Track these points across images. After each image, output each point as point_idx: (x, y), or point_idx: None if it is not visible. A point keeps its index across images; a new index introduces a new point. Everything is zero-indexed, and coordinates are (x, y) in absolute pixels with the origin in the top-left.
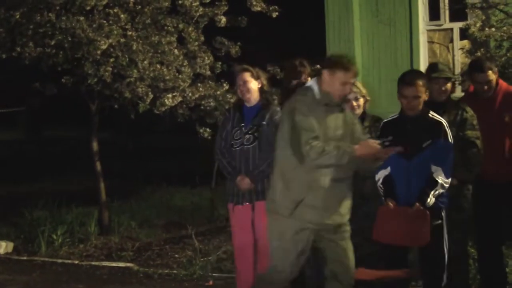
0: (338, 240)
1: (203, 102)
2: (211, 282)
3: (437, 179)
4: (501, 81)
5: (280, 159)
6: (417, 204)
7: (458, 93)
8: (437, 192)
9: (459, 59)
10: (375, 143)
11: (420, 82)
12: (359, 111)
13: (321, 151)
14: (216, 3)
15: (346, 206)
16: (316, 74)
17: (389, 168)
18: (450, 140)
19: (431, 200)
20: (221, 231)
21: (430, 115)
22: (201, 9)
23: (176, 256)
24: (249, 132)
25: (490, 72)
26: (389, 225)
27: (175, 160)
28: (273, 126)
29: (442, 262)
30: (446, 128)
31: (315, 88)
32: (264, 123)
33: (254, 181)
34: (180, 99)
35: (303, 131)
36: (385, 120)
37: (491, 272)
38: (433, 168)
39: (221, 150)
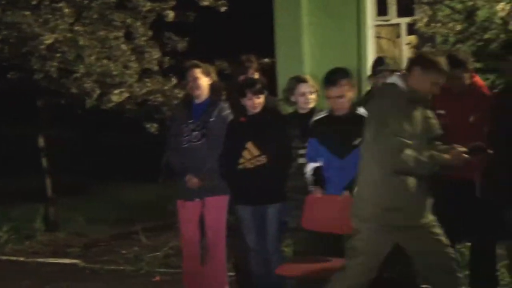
0: (425, 235)
1: (151, 98)
2: (157, 278)
3: None
4: (476, 79)
5: (366, 166)
6: (345, 192)
7: None
8: None
9: (406, 54)
10: (463, 152)
11: (344, 81)
12: (307, 107)
13: (416, 160)
14: None
15: (429, 204)
16: (263, 68)
17: (319, 162)
18: None
19: None
20: (169, 227)
21: (358, 112)
22: (148, 4)
23: (124, 252)
24: (197, 129)
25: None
26: (317, 213)
27: (124, 156)
28: (221, 122)
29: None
30: None
31: (401, 84)
32: (212, 119)
33: (203, 178)
34: (127, 94)
35: (396, 139)
36: (315, 119)
37: None
38: None
39: (172, 148)
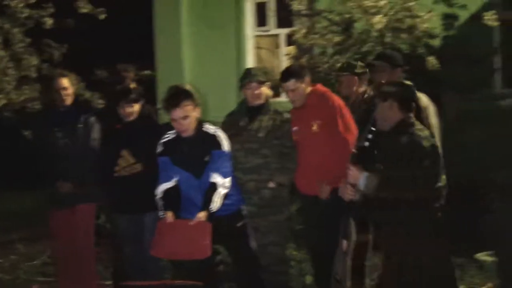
0: None
1: (29, 105)
2: (35, 286)
3: (214, 181)
4: (316, 88)
5: None
6: (200, 214)
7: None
8: (221, 193)
9: (285, 65)
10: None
11: (186, 102)
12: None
13: None
14: (43, 5)
15: None
16: (141, 78)
17: (172, 182)
18: (224, 149)
19: (216, 203)
20: (45, 235)
21: (204, 129)
22: (27, 10)
23: (0, 261)
24: (65, 136)
25: (292, 81)
26: (167, 239)
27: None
28: (88, 129)
29: (256, 261)
30: (221, 138)
31: None
32: (80, 125)
33: (74, 185)
34: (4, 101)
35: None
36: (162, 141)
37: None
38: (211, 176)
39: (39, 155)
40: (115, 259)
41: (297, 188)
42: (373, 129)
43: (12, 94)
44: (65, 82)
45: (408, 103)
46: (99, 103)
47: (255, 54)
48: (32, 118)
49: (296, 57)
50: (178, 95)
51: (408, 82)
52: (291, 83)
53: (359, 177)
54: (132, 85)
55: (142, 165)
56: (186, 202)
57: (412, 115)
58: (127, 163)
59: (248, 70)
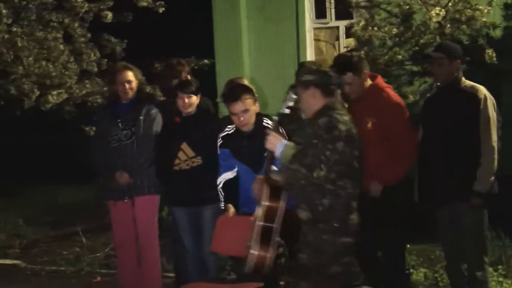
0: None
1: (90, 99)
2: (98, 278)
3: None
4: (377, 83)
5: None
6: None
7: None
8: None
9: None
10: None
11: (246, 96)
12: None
13: None
14: None
15: None
16: (198, 71)
17: (234, 171)
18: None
19: None
20: (109, 228)
21: (263, 123)
22: (86, 5)
23: (64, 253)
24: (126, 127)
25: (350, 74)
26: (226, 235)
27: (61, 157)
28: (150, 121)
29: None
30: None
31: None
32: (142, 117)
33: (133, 175)
34: (66, 96)
35: None
36: (222, 134)
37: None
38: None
39: (97, 148)
40: (175, 253)
41: None
42: (294, 96)
43: (74, 88)
44: (129, 75)
45: (329, 89)
46: (160, 96)
47: (314, 47)
48: (94, 112)
49: (355, 49)
50: (238, 89)
51: (326, 69)
52: (348, 77)
53: (277, 144)
54: (189, 78)
55: (201, 158)
56: (244, 196)
57: (335, 100)
58: (187, 156)
59: (302, 64)
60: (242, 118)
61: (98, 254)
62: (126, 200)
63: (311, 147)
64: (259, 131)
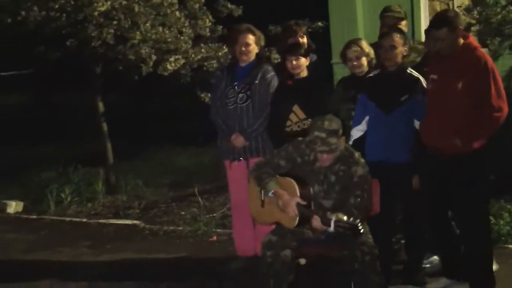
0: None
1: (205, 64)
2: (214, 238)
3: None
4: (469, 42)
5: None
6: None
7: None
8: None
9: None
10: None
11: (398, 35)
12: (359, 71)
13: None
14: None
15: None
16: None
17: (363, 124)
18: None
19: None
20: (225, 189)
21: (408, 71)
22: None
23: (182, 213)
24: (242, 91)
25: (445, 29)
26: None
27: (179, 122)
28: (265, 85)
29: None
30: (423, 85)
31: None
32: (257, 81)
33: (248, 138)
34: (183, 61)
35: None
36: (369, 75)
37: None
38: (416, 123)
39: (216, 109)
40: None
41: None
42: None
43: (189, 53)
44: (249, 38)
45: None
46: (275, 58)
47: (428, 6)
48: (213, 75)
49: (468, 9)
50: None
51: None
52: (442, 32)
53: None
54: (303, 40)
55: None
56: (371, 142)
57: None
58: (298, 118)
59: (388, 6)
60: (388, 53)
61: (214, 214)
62: (241, 161)
63: None
64: (402, 76)
